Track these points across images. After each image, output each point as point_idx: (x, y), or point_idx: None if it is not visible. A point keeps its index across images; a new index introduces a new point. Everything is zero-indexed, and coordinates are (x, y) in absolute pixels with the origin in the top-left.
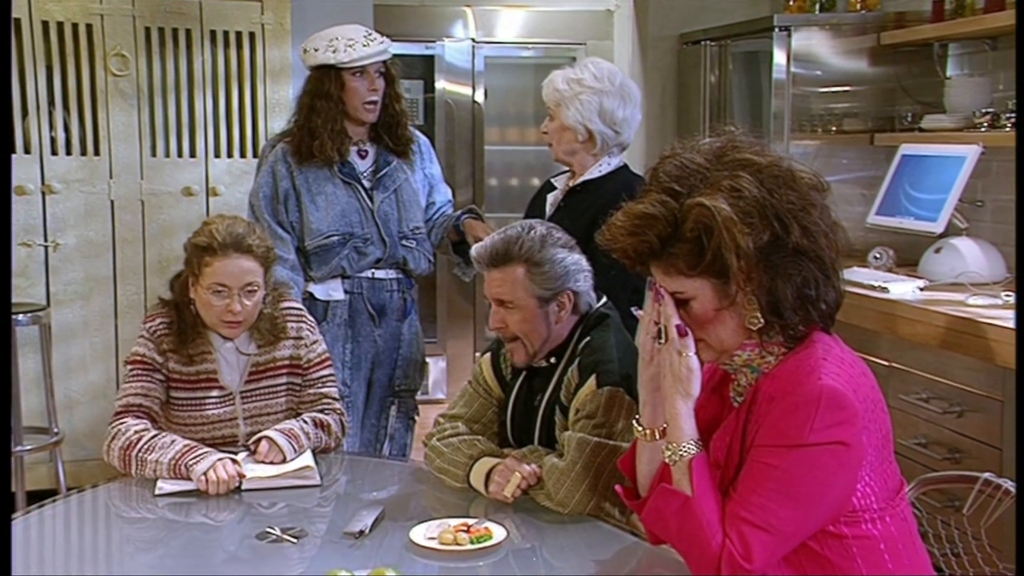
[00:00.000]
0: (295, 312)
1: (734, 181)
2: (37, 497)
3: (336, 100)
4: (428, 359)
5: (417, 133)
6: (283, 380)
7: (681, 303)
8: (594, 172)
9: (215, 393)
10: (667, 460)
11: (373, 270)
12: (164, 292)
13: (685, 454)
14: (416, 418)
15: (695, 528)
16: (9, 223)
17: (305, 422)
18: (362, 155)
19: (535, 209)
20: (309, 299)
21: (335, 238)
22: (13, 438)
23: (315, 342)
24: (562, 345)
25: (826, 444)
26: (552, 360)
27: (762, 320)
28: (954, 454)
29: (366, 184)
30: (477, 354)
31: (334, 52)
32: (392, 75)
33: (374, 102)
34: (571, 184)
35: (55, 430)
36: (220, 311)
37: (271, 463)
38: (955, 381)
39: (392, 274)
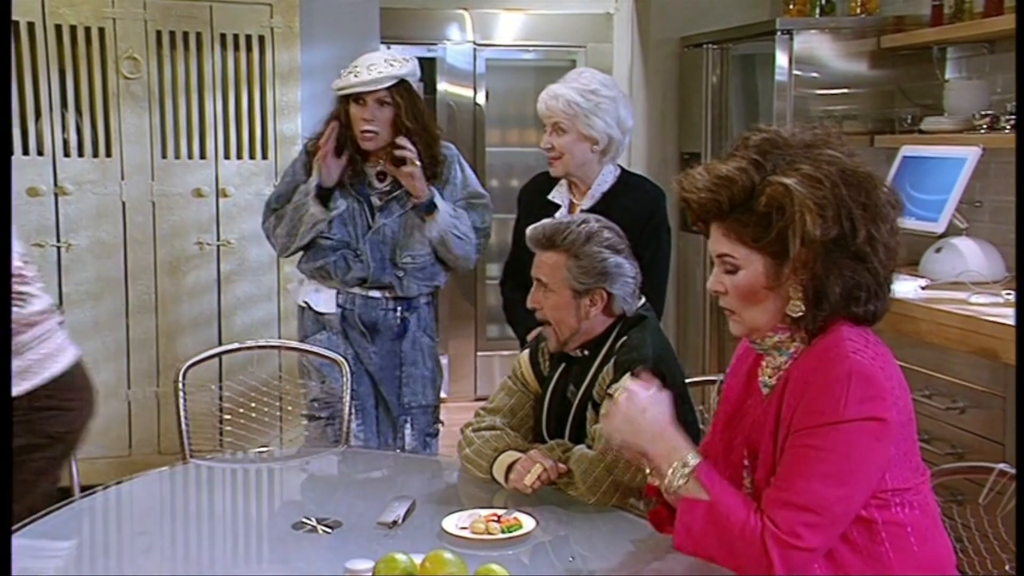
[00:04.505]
0: None
1: (817, 170)
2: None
3: (344, 123)
4: None
5: (449, 153)
6: None
7: (729, 270)
8: (606, 182)
9: None
10: (676, 491)
11: (363, 288)
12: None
13: (687, 471)
14: (439, 430)
15: (727, 527)
16: (9, 223)
17: None
18: (381, 178)
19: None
20: (306, 307)
21: (330, 241)
22: None
23: None
24: (597, 340)
25: (861, 420)
26: (585, 352)
27: (803, 309)
28: (956, 450)
29: (375, 202)
30: (479, 354)
31: (339, 77)
32: (400, 106)
33: (369, 132)
34: (576, 200)
35: None
36: None
37: None
38: (957, 378)
39: (387, 293)
